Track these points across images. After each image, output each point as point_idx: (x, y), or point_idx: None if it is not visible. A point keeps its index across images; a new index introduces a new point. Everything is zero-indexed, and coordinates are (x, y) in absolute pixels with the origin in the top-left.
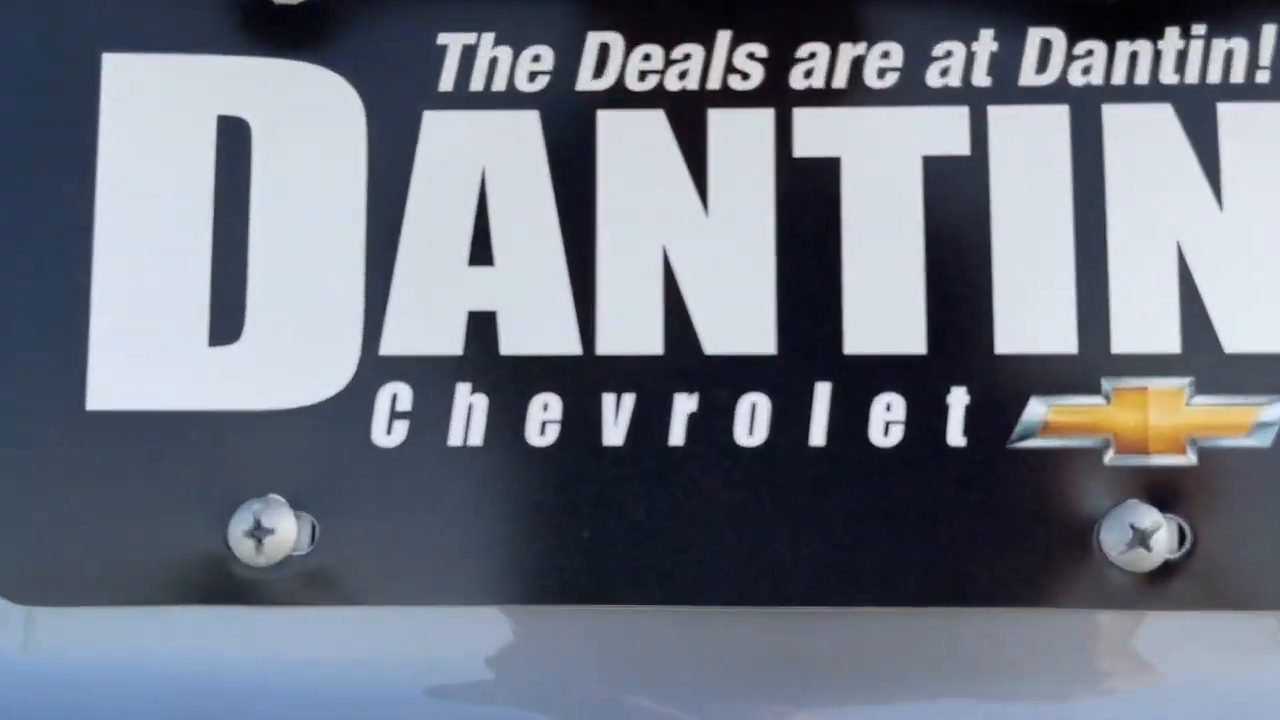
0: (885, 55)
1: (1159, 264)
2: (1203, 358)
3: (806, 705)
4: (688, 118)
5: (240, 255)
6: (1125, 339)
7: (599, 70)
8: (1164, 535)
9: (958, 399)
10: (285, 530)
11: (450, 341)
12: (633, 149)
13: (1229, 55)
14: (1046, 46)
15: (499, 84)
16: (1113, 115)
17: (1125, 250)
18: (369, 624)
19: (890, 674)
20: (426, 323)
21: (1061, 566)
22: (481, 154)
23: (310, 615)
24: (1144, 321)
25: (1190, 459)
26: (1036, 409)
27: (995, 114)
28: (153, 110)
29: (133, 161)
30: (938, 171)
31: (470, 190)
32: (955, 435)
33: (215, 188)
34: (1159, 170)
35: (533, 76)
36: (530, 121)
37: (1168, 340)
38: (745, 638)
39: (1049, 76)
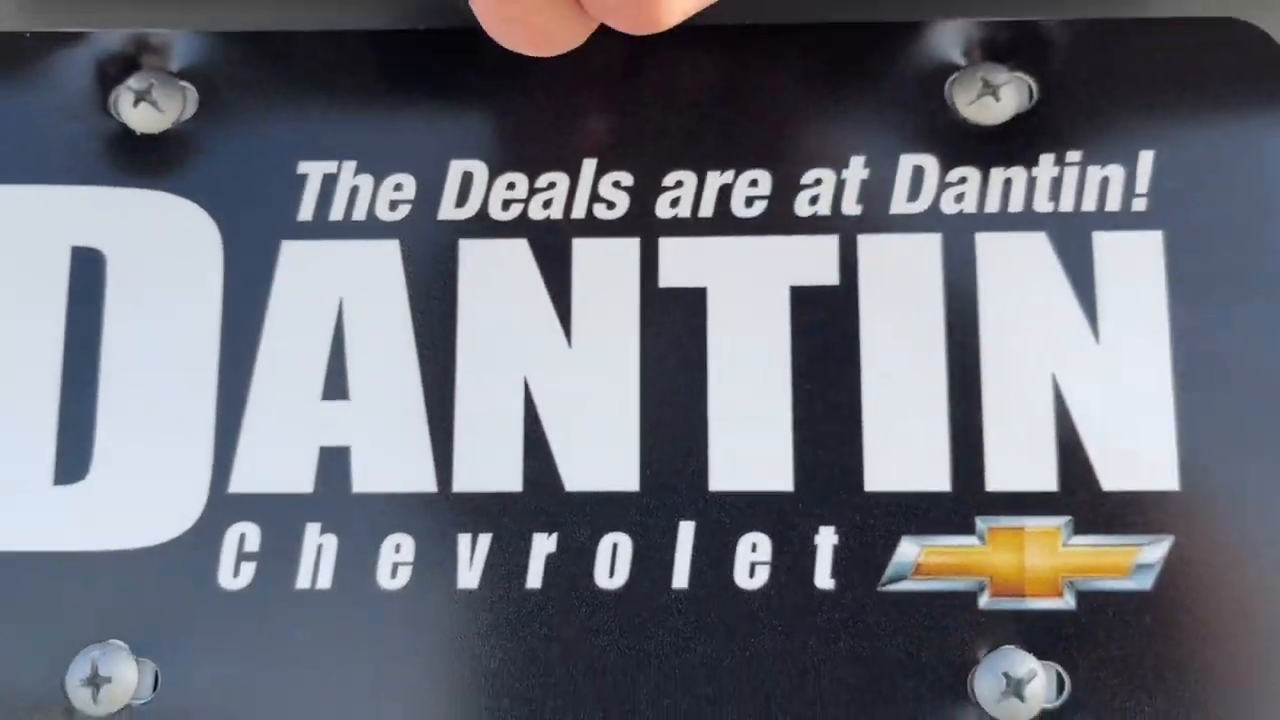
0: (753, 184)
1: (1035, 398)
2: (1080, 495)
3: None
4: (551, 247)
5: (90, 391)
6: (1000, 476)
7: (461, 198)
8: (1040, 684)
9: (826, 539)
10: (124, 678)
11: (301, 478)
12: (494, 279)
13: (1104, 183)
14: (919, 174)
15: (359, 213)
16: (986, 244)
17: (1000, 384)
18: None
19: None
20: (277, 459)
21: (936, 718)
22: (339, 284)
23: None
24: (1020, 458)
25: (1068, 602)
26: (908, 550)
27: (865, 243)
28: (4, 241)
29: None
30: (806, 302)
31: (327, 322)
32: (823, 577)
33: (67, 322)
34: (1034, 301)
35: (394, 205)
36: (390, 251)
37: (1044, 478)
38: None
39: (921, 204)
